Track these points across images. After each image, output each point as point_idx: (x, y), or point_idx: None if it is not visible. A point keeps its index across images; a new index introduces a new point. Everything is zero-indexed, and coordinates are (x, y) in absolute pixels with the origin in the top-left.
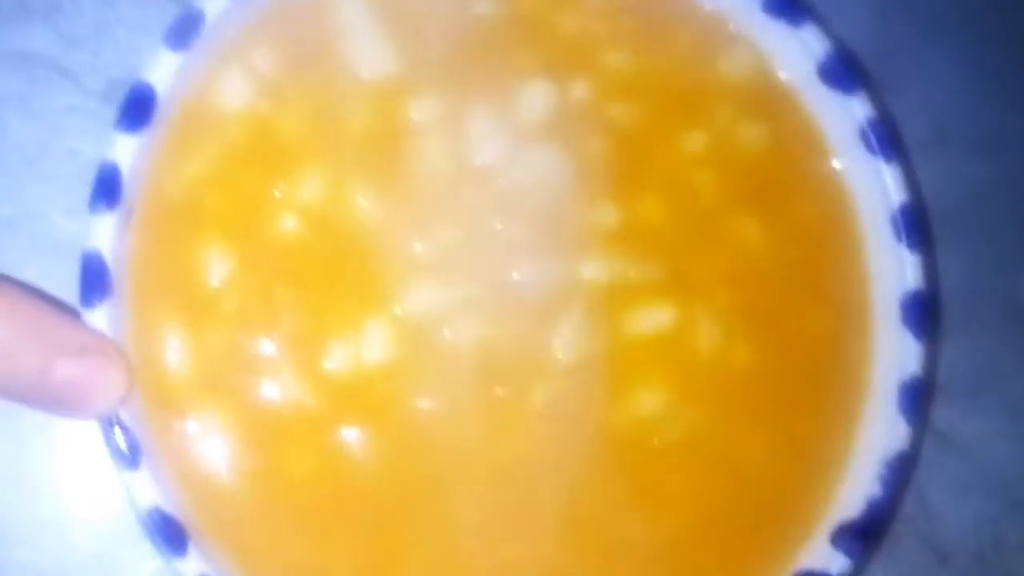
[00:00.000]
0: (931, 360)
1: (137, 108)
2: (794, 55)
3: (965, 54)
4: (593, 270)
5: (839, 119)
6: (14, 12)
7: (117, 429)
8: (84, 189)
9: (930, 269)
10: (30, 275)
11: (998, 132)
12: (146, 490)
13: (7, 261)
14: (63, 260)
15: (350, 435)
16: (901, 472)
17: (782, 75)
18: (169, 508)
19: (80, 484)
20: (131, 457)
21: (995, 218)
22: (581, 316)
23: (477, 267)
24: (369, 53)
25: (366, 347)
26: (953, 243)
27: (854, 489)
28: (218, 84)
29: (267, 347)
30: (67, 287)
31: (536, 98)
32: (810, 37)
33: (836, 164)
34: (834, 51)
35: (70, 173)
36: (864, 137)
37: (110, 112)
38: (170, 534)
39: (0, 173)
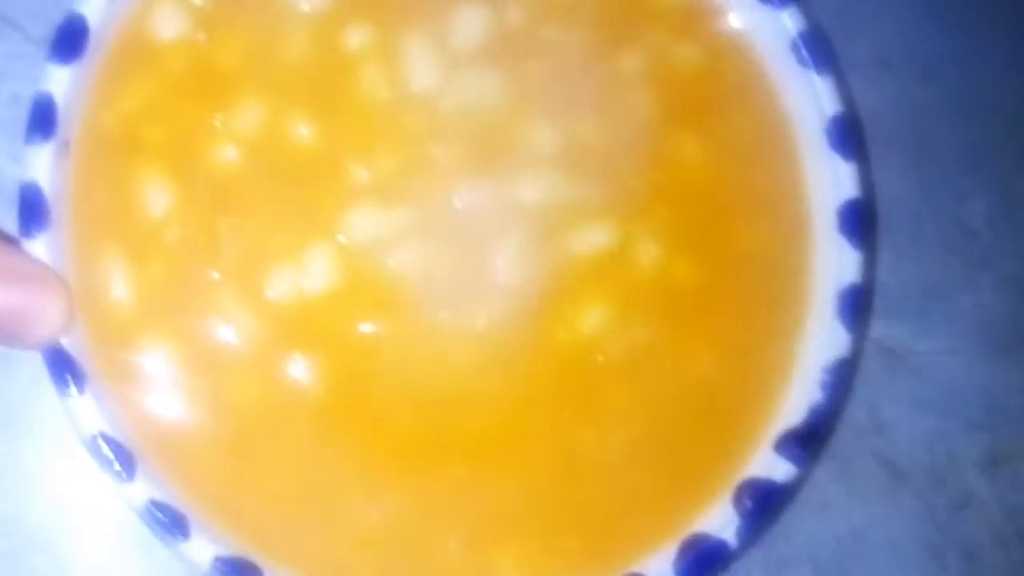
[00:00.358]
0: (869, 268)
1: (70, 39)
2: None
3: None
4: (533, 192)
5: (771, 34)
6: None
7: (60, 356)
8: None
9: (865, 178)
10: None
11: (940, 55)
12: (91, 415)
13: None
14: (5, 203)
15: (294, 362)
16: (842, 378)
17: None
18: (115, 433)
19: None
20: (76, 383)
21: (939, 139)
22: (522, 238)
23: (418, 192)
24: None
25: (308, 274)
26: (898, 164)
27: (797, 397)
28: (153, 15)
29: (210, 276)
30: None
31: (472, 22)
32: None
33: (770, 79)
34: None
35: (12, 118)
36: (796, 50)
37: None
38: (118, 458)
39: None
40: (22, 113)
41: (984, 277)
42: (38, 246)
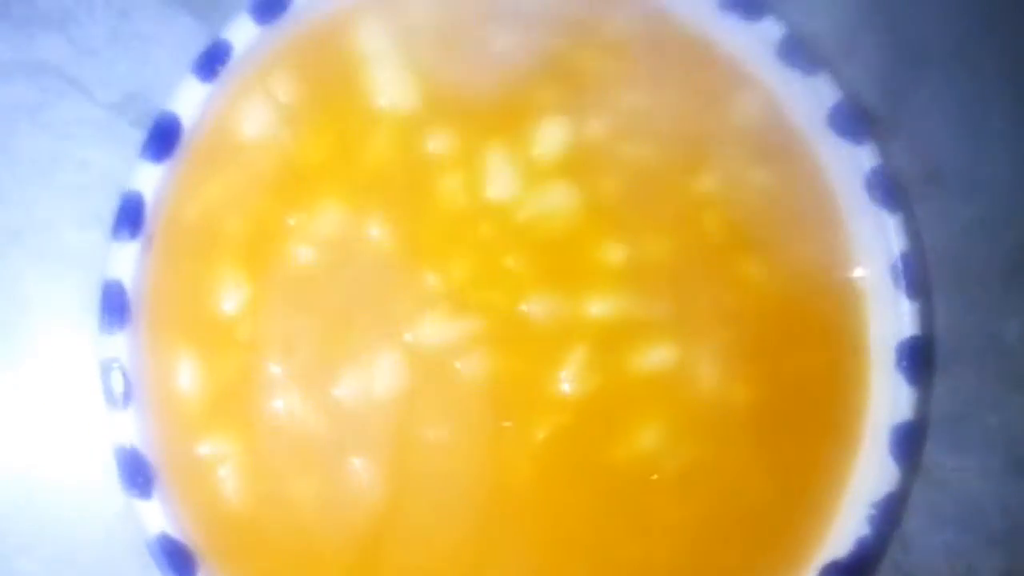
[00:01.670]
0: (923, 405)
1: (163, 137)
2: (805, 102)
3: (960, 95)
4: (600, 307)
5: (845, 167)
6: (27, 19)
7: (132, 456)
8: (93, 201)
9: (927, 317)
10: (35, 287)
11: (988, 173)
12: (156, 517)
13: (13, 271)
14: (70, 272)
15: (356, 463)
16: (890, 514)
17: (792, 120)
18: (177, 534)
19: (84, 496)
20: (144, 485)
21: (984, 259)
22: (586, 351)
23: (488, 300)
24: (389, 84)
25: (376, 377)
26: (943, 282)
27: (844, 528)
28: (240, 112)
29: (279, 374)
30: (73, 299)
31: (552, 134)
32: (822, 85)
33: (840, 210)
34: (844, 101)
35: (80, 185)
36: (869, 187)
37: (121, 124)
38: (178, 560)
39: (9, 183)
40: (89, 180)
41: (1015, 398)
42: (117, 342)
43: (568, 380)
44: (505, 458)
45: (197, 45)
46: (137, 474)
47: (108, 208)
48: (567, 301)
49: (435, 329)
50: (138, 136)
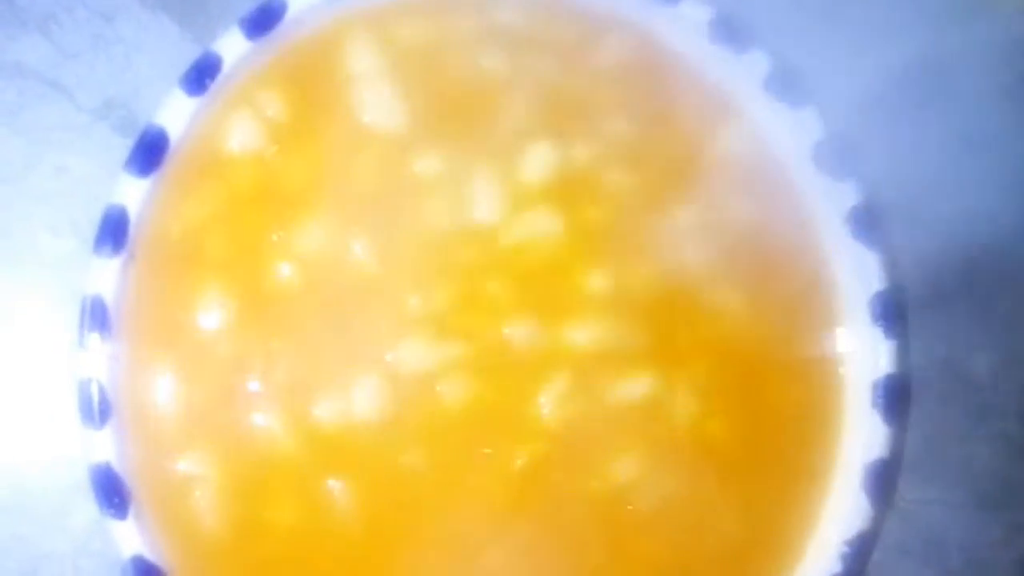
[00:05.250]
0: (898, 443)
1: (149, 151)
2: (790, 135)
3: (937, 129)
4: (581, 335)
5: (828, 202)
6: (6, 20)
7: (107, 476)
8: (70, 206)
9: (904, 356)
10: (8, 290)
11: (953, 208)
12: (131, 537)
13: None
14: (43, 277)
15: (334, 486)
16: (862, 551)
17: (777, 154)
18: (151, 555)
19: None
20: (119, 505)
21: (951, 293)
22: (566, 379)
23: (469, 325)
24: (377, 105)
25: (355, 400)
26: (912, 317)
27: (816, 566)
28: (226, 128)
29: (258, 393)
30: (45, 304)
31: (538, 159)
32: (807, 119)
33: (821, 245)
34: (829, 136)
35: (56, 190)
36: (850, 223)
37: (102, 129)
38: None
39: None
40: (66, 185)
41: (980, 431)
42: (96, 359)
43: (548, 407)
44: (483, 485)
45: (180, 52)
46: (113, 493)
47: (84, 215)
48: (548, 328)
49: (416, 352)
50: (118, 142)
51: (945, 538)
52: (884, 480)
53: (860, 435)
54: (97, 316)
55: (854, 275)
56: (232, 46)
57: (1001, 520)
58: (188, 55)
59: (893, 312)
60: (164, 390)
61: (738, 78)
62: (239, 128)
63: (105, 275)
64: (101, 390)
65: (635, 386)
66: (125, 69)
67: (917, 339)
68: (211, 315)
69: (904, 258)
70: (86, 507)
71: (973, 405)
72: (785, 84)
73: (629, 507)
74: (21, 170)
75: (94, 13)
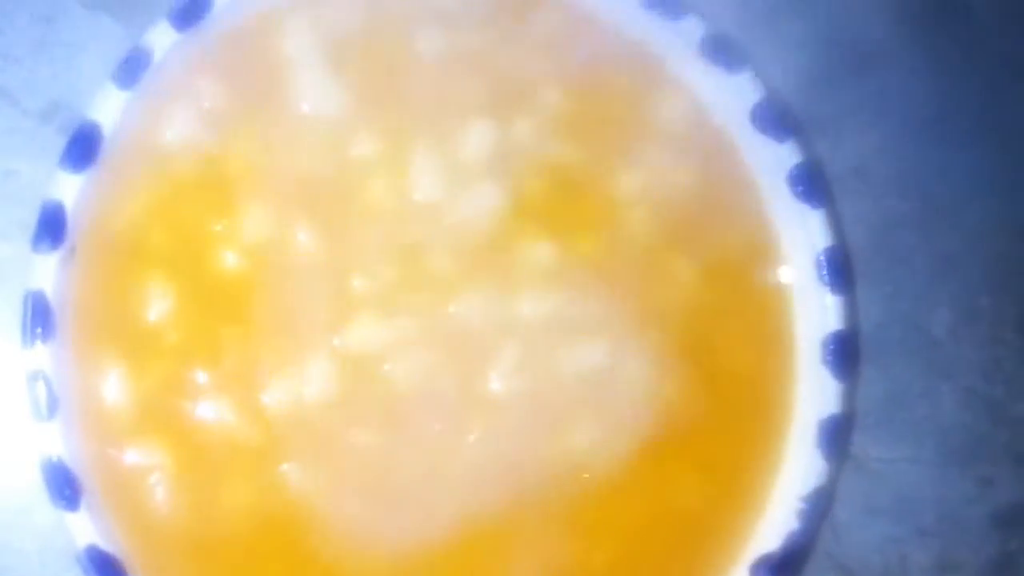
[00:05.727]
0: (850, 399)
1: (83, 146)
2: (728, 100)
3: (885, 90)
4: (529, 306)
5: (769, 164)
6: None
7: (57, 469)
8: (19, 210)
9: (851, 312)
10: None
11: (916, 168)
12: (85, 528)
13: None
14: None
15: (288, 469)
16: (819, 507)
17: (715, 118)
18: (107, 545)
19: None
20: (71, 497)
21: (911, 251)
22: (516, 351)
23: (416, 303)
24: (314, 89)
25: (305, 382)
26: (870, 276)
27: (774, 523)
28: (163, 119)
29: (207, 382)
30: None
31: (478, 135)
32: (745, 83)
33: (764, 207)
34: (767, 98)
35: (5, 194)
36: (792, 183)
37: (48, 132)
38: (108, 573)
39: None
40: (15, 189)
41: (943, 387)
42: (41, 354)
43: (498, 381)
44: (437, 461)
45: (123, 51)
46: (64, 486)
47: (33, 217)
48: (496, 301)
49: (364, 333)
50: (63, 143)
51: (915, 495)
52: (838, 436)
53: (812, 393)
54: (39, 312)
55: (799, 235)
56: (162, 38)
57: (970, 475)
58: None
59: (838, 269)
60: (112, 382)
61: (673, 45)
62: (175, 119)
63: (45, 271)
64: (48, 384)
65: (586, 355)
66: (68, 71)
67: (876, 296)
68: (156, 306)
69: (859, 217)
70: (49, 506)
71: (936, 361)
72: (720, 49)
73: (586, 475)
74: None
75: (35, 17)
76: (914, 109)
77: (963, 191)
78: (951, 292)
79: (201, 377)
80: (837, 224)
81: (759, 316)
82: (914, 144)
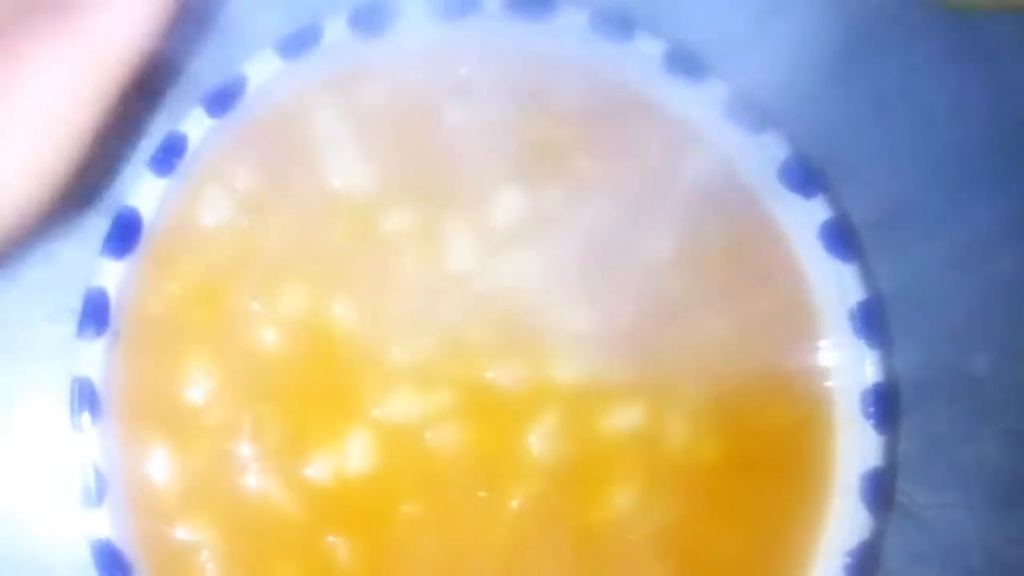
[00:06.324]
0: (892, 450)
1: (123, 234)
2: (755, 159)
3: (915, 137)
4: (565, 371)
5: (799, 220)
6: None
7: (107, 548)
8: (64, 293)
9: (888, 363)
10: (13, 383)
11: (947, 211)
12: None
13: None
14: (43, 367)
15: (335, 544)
16: (865, 560)
17: (744, 178)
18: None
19: None
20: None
21: (946, 296)
22: (555, 417)
23: (454, 372)
24: (344, 167)
25: (347, 456)
26: (907, 322)
27: None
28: (199, 203)
29: (251, 459)
30: (51, 394)
31: (509, 204)
32: (770, 141)
33: (797, 264)
34: (793, 156)
35: (49, 278)
36: (823, 238)
37: (89, 216)
38: None
39: None
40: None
41: (987, 431)
42: (89, 439)
43: (538, 446)
44: (482, 528)
45: (155, 132)
46: (115, 568)
47: (79, 300)
48: (533, 368)
49: (403, 404)
50: (104, 227)
51: (964, 541)
52: (881, 488)
53: (854, 446)
54: (86, 397)
55: (832, 289)
56: (197, 124)
57: (1019, 517)
58: (161, 135)
59: (873, 321)
60: (158, 462)
61: (697, 107)
62: (211, 203)
63: (91, 356)
64: (96, 468)
65: (624, 417)
66: (105, 156)
67: (913, 343)
68: (198, 387)
69: (891, 264)
70: None
71: (977, 406)
72: (744, 109)
73: (629, 537)
74: (12, 262)
75: None
76: (939, 152)
77: (993, 231)
78: (988, 334)
79: (245, 454)
80: (870, 275)
81: (796, 371)
82: (942, 188)
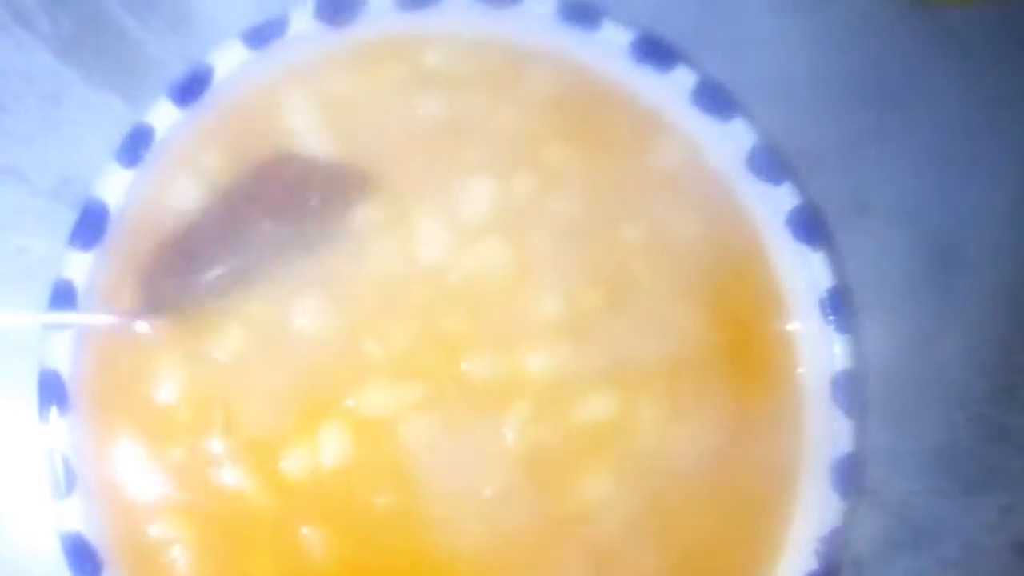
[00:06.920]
0: (861, 436)
1: (90, 225)
2: (723, 146)
3: (883, 125)
4: (539, 361)
5: (767, 207)
6: None
7: (79, 544)
8: (33, 287)
9: (858, 350)
10: None
11: (916, 198)
12: None
13: None
14: (11, 361)
15: (308, 536)
16: (837, 546)
17: (713, 165)
18: None
19: None
20: (92, 571)
21: (917, 283)
22: (529, 406)
23: (427, 363)
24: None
25: (322, 448)
26: (877, 310)
27: (793, 565)
28: (169, 192)
29: (224, 454)
30: (17, 386)
31: (480, 194)
32: (738, 129)
33: (766, 250)
34: (761, 143)
35: (18, 271)
36: (791, 225)
37: (59, 210)
38: None
39: None
40: (28, 266)
41: (958, 417)
42: (57, 430)
43: (511, 436)
44: (456, 518)
45: (127, 126)
46: (85, 561)
47: (47, 294)
48: (506, 358)
49: (377, 396)
50: (73, 219)
51: (937, 527)
52: (852, 474)
53: (824, 433)
54: (54, 389)
55: (800, 276)
56: (164, 115)
57: (991, 503)
58: (129, 126)
59: (842, 308)
60: (129, 457)
61: (665, 95)
62: (181, 190)
63: (59, 349)
64: (65, 460)
65: (597, 406)
66: (76, 148)
67: (884, 330)
68: (169, 381)
69: (862, 251)
70: None
71: (949, 391)
72: (712, 97)
73: (603, 525)
74: None
75: (42, 97)
76: (908, 140)
77: (965, 219)
78: (960, 322)
79: (218, 450)
80: (839, 262)
81: (767, 358)
82: (914, 176)
